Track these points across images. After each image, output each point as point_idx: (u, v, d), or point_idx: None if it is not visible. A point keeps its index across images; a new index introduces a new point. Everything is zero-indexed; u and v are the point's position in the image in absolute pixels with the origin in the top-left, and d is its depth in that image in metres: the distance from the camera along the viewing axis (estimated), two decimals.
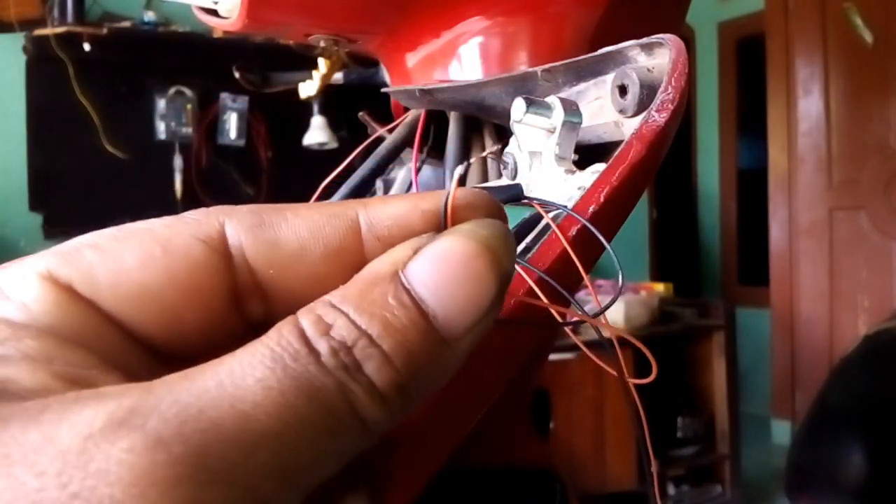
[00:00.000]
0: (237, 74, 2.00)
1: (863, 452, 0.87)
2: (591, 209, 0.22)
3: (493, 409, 0.21)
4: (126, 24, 2.43)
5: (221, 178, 2.58)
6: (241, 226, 0.16)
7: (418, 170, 0.38)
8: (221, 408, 0.12)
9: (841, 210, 2.88)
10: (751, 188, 3.54)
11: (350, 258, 0.16)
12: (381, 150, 0.38)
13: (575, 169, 0.27)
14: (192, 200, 2.48)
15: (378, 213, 0.17)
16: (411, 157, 0.38)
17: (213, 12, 0.36)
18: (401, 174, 0.44)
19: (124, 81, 2.46)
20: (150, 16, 2.47)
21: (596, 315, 0.19)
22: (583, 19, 0.36)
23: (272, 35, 0.41)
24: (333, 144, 2.40)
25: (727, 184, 3.73)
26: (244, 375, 0.13)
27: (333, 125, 2.41)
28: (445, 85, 0.36)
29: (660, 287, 2.60)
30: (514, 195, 0.22)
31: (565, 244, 0.21)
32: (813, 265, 2.96)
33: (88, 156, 2.37)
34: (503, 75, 0.33)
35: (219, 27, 0.36)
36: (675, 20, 0.42)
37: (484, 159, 0.37)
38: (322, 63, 1.10)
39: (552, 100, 0.27)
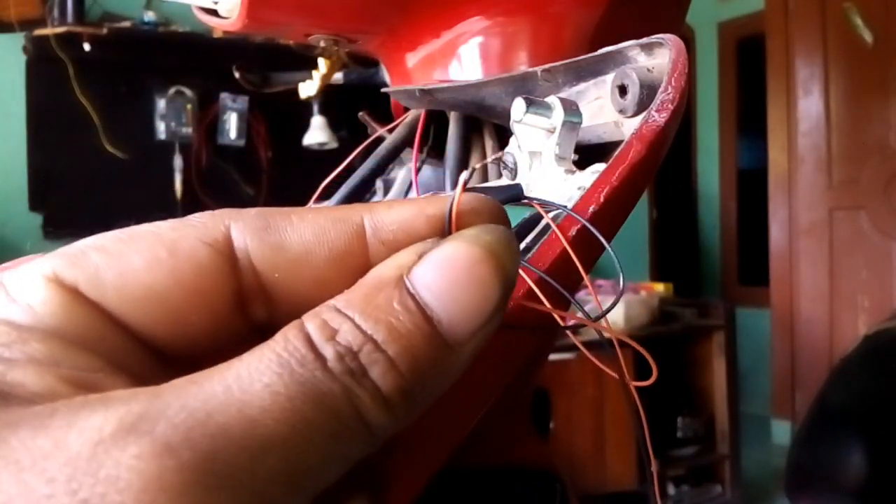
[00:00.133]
0: (237, 74, 2.00)
1: (863, 452, 0.87)
2: (591, 209, 0.22)
3: (492, 410, 0.21)
4: (126, 24, 2.43)
5: (221, 178, 2.58)
6: (246, 229, 0.16)
7: (418, 170, 0.38)
8: (229, 413, 0.13)
9: (841, 210, 2.88)
10: (751, 188, 3.54)
11: (355, 262, 0.16)
12: (381, 150, 0.38)
13: (575, 169, 0.27)
14: (192, 200, 2.48)
15: (383, 217, 0.17)
16: (411, 157, 0.38)
17: (213, 12, 0.36)
18: (401, 174, 0.44)
19: (124, 81, 2.46)
20: (150, 16, 2.47)
21: (597, 318, 0.19)
22: (583, 19, 0.36)
23: (272, 35, 0.41)
24: (333, 144, 2.40)
25: (727, 184, 3.73)
26: (251, 381, 0.13)
27: (333, 125, 2.41)
28: (445, 85, 0.36)
29: (660, 287, 2.60)
30: (514, 195, 0.22)
31: (565, 244, 0.21)
32: (813, 265, 2.96)
33: (88, 156, 2.37)
34: (503, 75, 0.33)
35: (219, 27, 0.36)
36: (675, 20, 0.42)
37: (484, 158, 0.37)
38: (322, 63, 1.10)
39: (552, 100, 0.27)
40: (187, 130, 2.50)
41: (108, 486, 0.11)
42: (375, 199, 0.45)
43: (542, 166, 0.28)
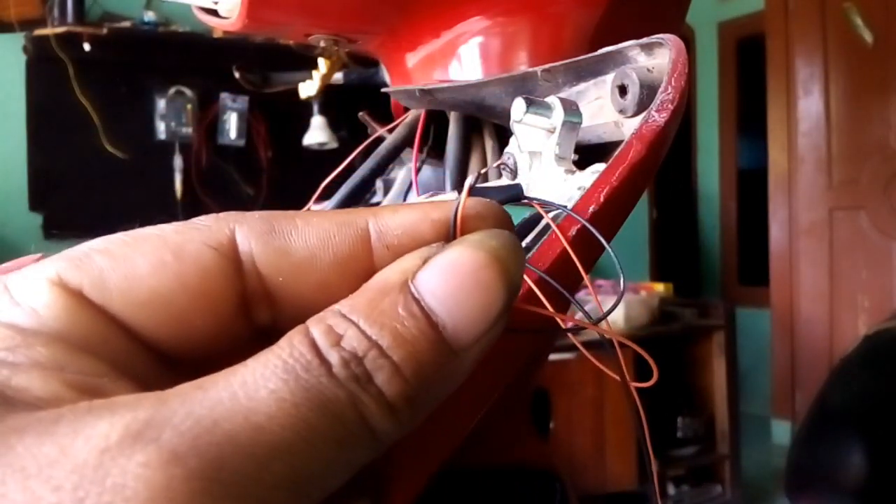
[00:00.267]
0: (237, 74, 2.00)
1: (863, 452, 0.87)
2: (591, 209, 0.22)
3: (492, 410, 0.21)
4: (126, 24, 2.43)
5: (221, 178, 2.58)
6: (251, 233, 0.16)
7: (418, 170, 0.38)
8: (235, 420, 0.12)
9: (841, 210, 2.88)
10: (751, 188, 3.54)
11: (359, 266, 0.16)
12: (381, 150, 0.38)
13: (575, 169, 0.27)
14: (192, 200, 2.49)
15: (388, 221, 0.17)
16: (411, 157, 0.38)
17: (213, 12, 0.36)
18: (401, 174, 0.44)
19: (124, 81, 2.46)
20: (150, 16, 2.47)
21: (598, 321, 0.19)
22: (583, 19, 0.36)
23: (272, 35, 0.41)
24: (333, 144, 2.40)
25: (727, 184, 3.73)
26: (257, 387, 0.13)
27: (333, 125, 2.41)
28: (445, 85, 0.36)
29: (660, 287, 2.60)
30: (514, 195, 0.22)
31: (565, 244, 0.21)
32: (813, 265, 2.96)
33: (88, 156, 2.37)
34: (503, 75, 0.33)
35: (219, 27, 0.36)
36: (675, 20, 0.42)
37: (484, 158, 0.37)
38: (322, 63, 1.10)
39: (552, 100, 0.27)
40: (187, 130, 2.50)
41: (114, 494, 0.11)
42: (375, 199, 0.45)
43: (542, 166, 0.28)
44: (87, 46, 2.27)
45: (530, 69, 0.31)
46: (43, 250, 0.16)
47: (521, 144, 0.29)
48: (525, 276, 0.20)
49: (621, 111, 0.27)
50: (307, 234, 0.16)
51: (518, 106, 0.27)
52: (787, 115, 3.03)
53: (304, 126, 2.43)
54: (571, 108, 0.27)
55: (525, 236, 0.23)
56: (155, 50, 2.48)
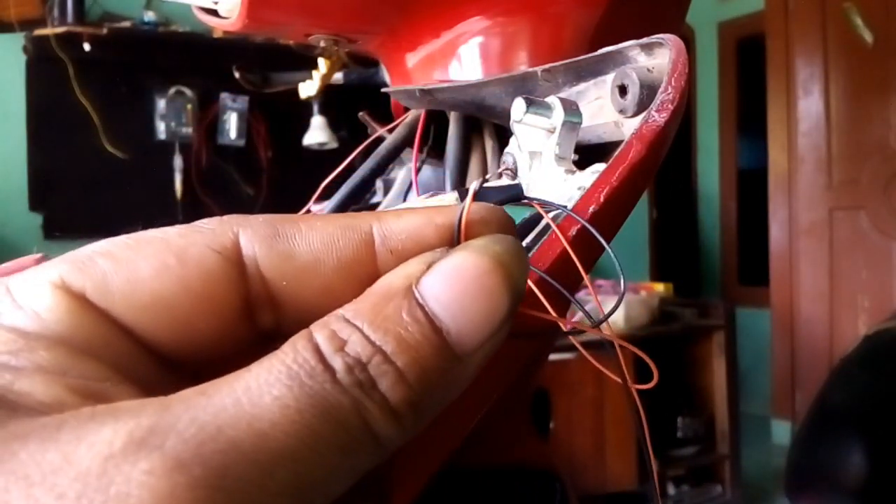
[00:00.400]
0: (237, 74, 2.00)
1: (863, 452, 0.87)
2: (591, 209, 0.22)
3: (492, 410, 0.21)
4: (126, 24, 2.43)
5: (221, 178, 2.58)
6: (255, 236, 0.16)
7: (418, 170, 0.38)
8: (239, 427, 0.12)
9: (841, 210, 2.88)
10: (751, 188, 3.54)
11: (363, 271, 0.16)
12: (381, 150, 0.38)
13: (575, 169, 0.27)
14: (192, 200, 2.49)
15: (392, 226, 0.17)
16: (411, 157, 0.38)
17: (213, 12, 0.36)
18: (401, 174, 0.44)
19: (124, 81, 2.46)
20: (150, 16, 2.47)
21: (598, 323, 0.19)
22: (583, 19, 0.36)
23: (272, 35, 0.41)
24: (333, 144, 2.40)
25: (727, 184, 3.73)
26: (261, 393, 0.13)
27: (333, 125, 2.41)
28: (445, 85, 0.36)
29: (660, 287, 2.60)
30: (514, 195, 0.22)
31: (565, 244, 0.21)
32: (813, 265, 2.96)
33: (88, 156, 2.37)
34: (503, 75, 0.33)
35: (219, 27, 0.36)
36: (675, 20, 0.42)
37: (484, 158, 0.37)
38: (322, 63, 1.10)
39: (552, 100, 0.27)
40: (187, 130, 2.50)
41: (118, 502, 0.11)
42: (375, 199, 0.45)
43: (542, 166, 0.28)
44: (87, 46, 2.27)
45: (530, 69, 0.31)
46: (43, 250, 0.16)
47: (521, 144, 0.29)
48: None
49: (621, 111, 0.27)
50: (311, 238, 0.16)
51: (518, 106, 0.27)
52: (787, 115, 3.03)
53: (304, 126, 2.43)
54: (571, 108, 0.27)
55: (525, 236, 0.23)
56: (155, 50, 2.48)
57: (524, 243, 0.23)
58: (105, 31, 2.32)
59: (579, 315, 0.20)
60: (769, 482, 2.70)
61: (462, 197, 0.26)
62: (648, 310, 2.33)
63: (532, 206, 0.22)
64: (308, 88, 1.18)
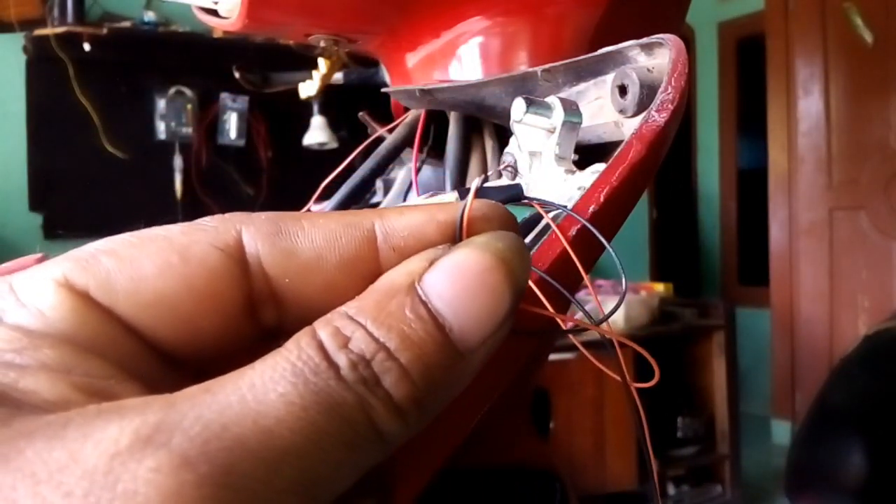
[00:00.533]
0: (237, 74, 2.00)
1: (863, 452, 0.87)
2: (591, 209, 0.22)
3: (492, 410, 0.21)
4: (126, 24, 2.43)
5: (221, 178, 2.58)
6: (258, 234, 0.16)
7: (418, 170, 0.38)
8: (245, 424, 0.12)
9: (841, 210, 2.88)
10: (751, 188, 3.54)
11: (365, 268, 0.16)
12: (381, 150, 0.38)
13: (575, 169, 0.27)
14: (192, 200, 2.48)
15: (394, 223, 0.17)
16: (411, 157, 0.38)
17: (213, 12, 0.36)
18: (401, 174, 0.44)
19: (124, 81, 2.46)
20: (150, 16, 2.47)
21: (600, 322, 0.19)
22: (583, 19, 0.36)
23: (272, 35, 0.41)
24: (333, 144, 2.40)
25: (727, 184, 3.73)
26: (266, 390, 0.13)
27: (333, 125, 2.41)
28: (445, 85, 0.36)
29: (660, 287, 2.60)
30: (514, 195, 0.22)
31: (565, 244, 0.21)
32: (813, 265, 2.96)
33: (88, 156, 2.37)
34: (503, 75, 0.33)
35: (219, 27, 0.36)
36: (675, 20, 0.42)
37: (484, 158, 0.37)
38: (322, 63, 1.10)
39: (552, 100, 0.27)
40: (187, 130, 2.50)
41: (125, 500, 0.11)
42: (375, 199, 0.45)
43: (542, 166, 0.28)
44: (87, 46, 2.27)
45: (530, 69, 0.31)
46: (44, 251, 0.16)
47: (521, 144, 0.29)
48: None
49: (621, 111, 0.27)
50: (313, 235, 0.16)
51: (518, 106, 0.27)
52: (787, 115, 3.03)
53: (304, 126, 2.43)
54: (571, 108, 0.27)
55: (525, 237, 0.23)
56: (155, 50, 2.48)
57: None
58: (105, 31, 2.32)
59: (579, 315, 0.20)
60: (769, 482, 2.70)
61: (462, 197, 0.26)
62: (648, 310, 2.33)
63: (532, 206, 0.22)
64: (308, 88, 1.18)
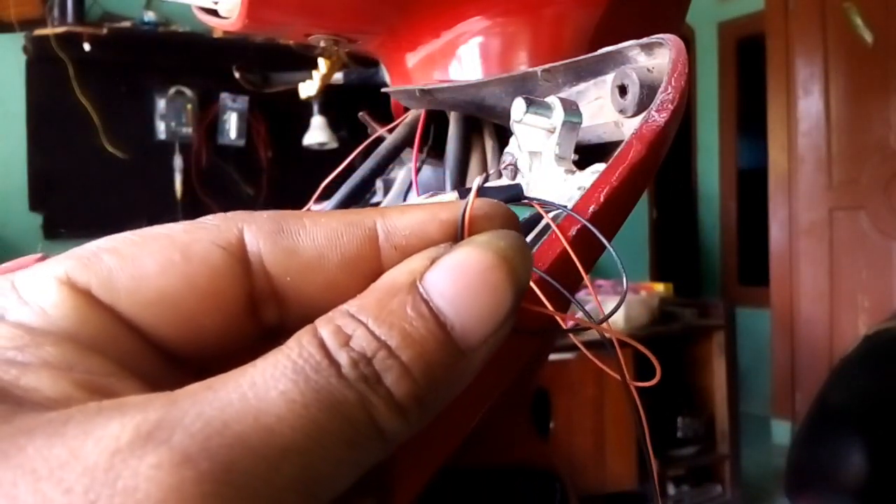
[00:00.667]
0: (237, 74, 2.00)
1: (863, 452, 0.87)
2: (591, 209, 0.22)
3: (492, 409, 0.21)
4: (126, 24, 2.43)
5: (221, 178, 2.58)
6: (259, 232, 0.16)
7: (418, 170, 0.38)
8: (246, 421, 0.12)
9: (841, 210, 2.88)
10: (751, 188, 3.54)
11: (367, 267, 0.17)
12: (381, 150, 0.38)
13: (575, 169, 0.27)
14: (192, 200, 2.48)
15: (396, 221, 0.17)
16: (411, 157, 0.38)
17: (213, 12, 0.36)
18: (401, 174, 0.44)
19: (124, 81, 2.46)
20: (150, 16, 2.47)
21: (601, 322, 0.19)
22: (583, 19, 0.36)
23: (272, 35, 0.41)
24: (333, 144, 2.40)
25: (727, 184, 3.73)
26: (267, 388, 0.13)
27: (333, 125, 2.41)
28: (445, 85, 0.36)
29: (660, 287, 2.60)
30: (514, 195, 0.22)
31: (565, 244, 0.21)
32: (813, 265, 2.96)
33: (88, 156, 2.37)
34: (503, 75, 0.33)
35: (219, 27, 0.36)
36: (675, 20, 0.42)
37: (484, 158, 0.37)
38: (322, 63, 1.10)
39: (552, 100, 0.27)
40: (187, 130, 2.50)
41: (125, 496, 0.11)
42: (375, 199, 0.45)
43: (542, 166, 0.28)
44: (87, 46, 2.27)
45: (530, 69, 0.31)
46: (44, 250, 0.16)
47: (521, 144, 0.29)
48: None
49: (621, 111, 0.27)
50: (315, 233, 0.16)
51: (518, 106, 0.27)
52: (787, 115, 3.03)
53: (304, 126, 2.43)
54: (571, 108, 0.27)
55: (525, 236, 0.23)
56: (155, 50, 2.48)
57: None
58: (105, 31, 2.32)
59: (580, 315, 0.20)
60: (769, 482, 2.70)
61: (462, 196, 0.26)
62: (648, 310, 2.33)
63: (532, 206, 0.22)
64: (308, 88, 1.18)
